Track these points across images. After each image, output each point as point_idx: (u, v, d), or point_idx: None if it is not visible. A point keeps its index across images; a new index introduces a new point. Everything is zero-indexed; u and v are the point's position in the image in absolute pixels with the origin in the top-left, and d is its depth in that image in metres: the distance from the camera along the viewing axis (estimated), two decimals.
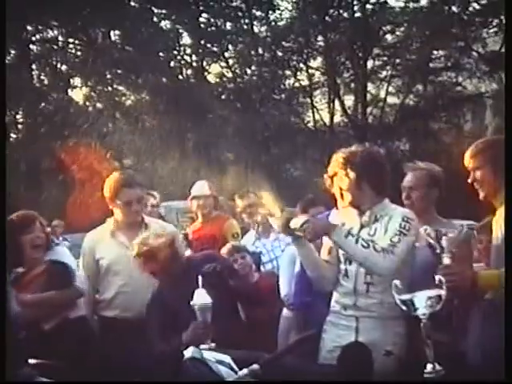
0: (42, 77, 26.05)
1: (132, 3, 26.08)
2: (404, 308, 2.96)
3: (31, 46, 25.12)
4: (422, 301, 2.89)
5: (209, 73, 28.01)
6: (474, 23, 24.71)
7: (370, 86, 27.36)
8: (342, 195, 3.67)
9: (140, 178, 4.97)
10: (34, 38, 25.26)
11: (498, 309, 3.10)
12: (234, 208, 6.42)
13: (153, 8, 26.25)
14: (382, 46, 26.92)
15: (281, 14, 27.59)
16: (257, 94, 26.55)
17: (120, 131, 25.69)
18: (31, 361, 3.45)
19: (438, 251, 3.05)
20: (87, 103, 26.39)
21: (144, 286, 4.36)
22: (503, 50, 18.60)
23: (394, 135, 27.06)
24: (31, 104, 22.71)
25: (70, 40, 25.79)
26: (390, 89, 27.03)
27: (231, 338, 3.86)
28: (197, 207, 6.37)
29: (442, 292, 2.90)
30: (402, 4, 25.82)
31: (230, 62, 28.04)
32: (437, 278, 2.94)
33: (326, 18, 26.12)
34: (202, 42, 26.95)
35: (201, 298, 3.49)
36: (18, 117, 25.35)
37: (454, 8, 24.99)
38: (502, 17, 20.82)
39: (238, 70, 27.91)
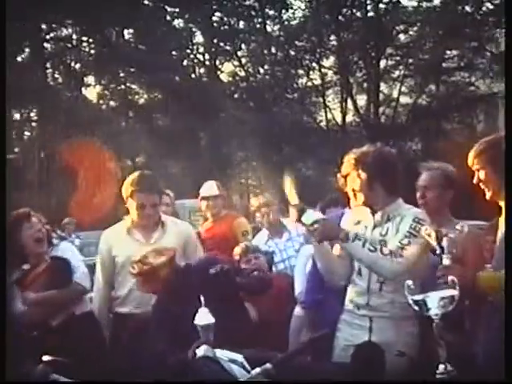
0: (56, 75, 26.18)
1: (145, 2, 26.16)
2: (416, 308, 2.96)
3: (45, 45, 25.24)
4: (435, 301, 2.88)
5: (221, 72, 28.09)
6: (488, 23, 24.59)
7: (383, 86, 27.32)
8: (355, 195, 3.68)
9: (160, 183, 4.94)
10: (48, 37, 25.39)
11: (498, 311, 3.09)
12: (247, 207, 6.45)
13: (166, 7, 26.33)
14: (394, 46, 26.87)
15: (294, 13, 27.65)
16: (269, 93, 26.56)
17: (133, 129, 25.79)
18: (45, 358, 3.45)
19: (438, 252, 3.03)
20: (100, 101, 26.51)
21: None
22: None
23: (407, 135, 27.00)
24: (45, 102, 22.81)
25: (84, 38, 25.92)
26: (403, 88, 26.98)
27: (241, 338, 3.86)
28: (206, 207, 6.42)
29: (455, 292, 2.89)
30: (415, 3, 25.82)
31: (243, 60, 28.08)
32: (449, 278, 2.93)
33: (339, 17, 26.10)
34: (215, 40, 26.99)
35: (204, 317, 3.42)
36: (31, 115, 25.50)
37: (467, 8, 24.90)
38: None
39: (250, 69, 27.94)
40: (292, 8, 27.47)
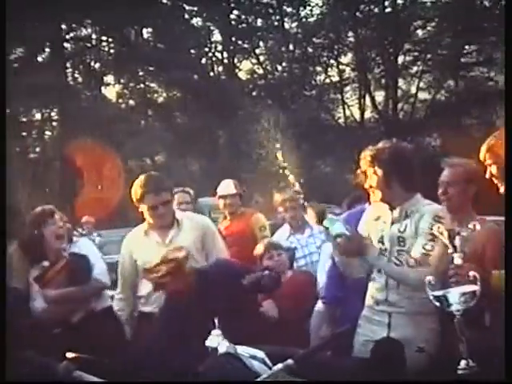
0: (76, 75, 26.33)
1: (164, 1, 26.24)
2: (437, 304, 2.96)
3: (65, 45, 25.39)
4: (456, 297, 2.87)
5: (240, 69, 28.12)
6: None
7: (401, 82, 27.24)
8: (373, 191, 3.69)
9: (169, 181, 4.93)
10: (68, 37, 25.53)
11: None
12: (267, 203, 6.48)
13: (184, 5, 26.40)
14: (412, 42, 26.75)
15: (311, 10, 27.62)
16: (287, 90, 26.55)
17: (152, 128, 25.87)
18: (69, 354, 3.47)
19: (450, 251, 3.01)
20: (120, 100, 26.62)
21: None
22: None
23: (425, 131, 26.87)
24: (65, 102, 22.95)
25: (103, 38, 26.04)
26: (421, 84, 26.87)
27: (262, 334, 3.87)
28: (223, 206, 6.47)
29: (477, 288, 2.88)
30: None
31: (261, 58, 28.09)
32: (471, 273, 2.92)
33: (357, 13, 26.05)
34: (233, 38, 27.03)
35: (215, 340, 3.33)
36: (52, 114, 25.66)
37: (485, 2, 24.72)
38: None
39: (268, 67, 27.95)
40: (310, 5, 27.51)
